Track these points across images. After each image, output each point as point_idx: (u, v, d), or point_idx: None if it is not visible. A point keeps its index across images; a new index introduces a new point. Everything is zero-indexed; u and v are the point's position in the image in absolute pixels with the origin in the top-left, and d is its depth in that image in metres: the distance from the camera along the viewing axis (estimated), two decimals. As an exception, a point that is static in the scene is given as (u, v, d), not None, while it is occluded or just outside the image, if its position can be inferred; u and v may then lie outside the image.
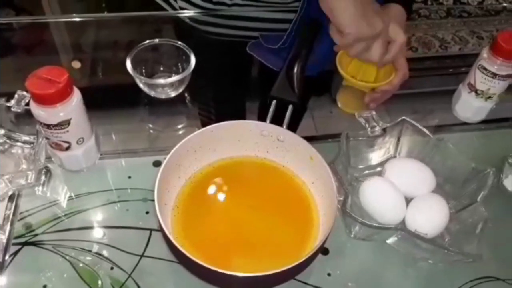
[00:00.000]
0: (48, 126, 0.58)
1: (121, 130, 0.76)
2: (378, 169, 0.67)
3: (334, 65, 0.70)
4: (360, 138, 0.65)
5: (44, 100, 0.55)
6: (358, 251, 0.62)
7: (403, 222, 0.60)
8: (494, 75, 0.69)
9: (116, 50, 0.98)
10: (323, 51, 0.73)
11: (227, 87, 0.96)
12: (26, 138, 0.67)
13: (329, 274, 0.59)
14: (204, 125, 0.61)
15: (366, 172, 0.67)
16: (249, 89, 1.01)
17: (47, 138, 0.61)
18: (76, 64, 0.89)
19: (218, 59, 0.87)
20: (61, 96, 0.56)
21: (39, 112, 0.56)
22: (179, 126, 0.77)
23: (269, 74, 0.72)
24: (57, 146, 0.61)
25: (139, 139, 0.75)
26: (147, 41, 0.75)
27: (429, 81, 0.94)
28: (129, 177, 0.67)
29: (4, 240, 0.59)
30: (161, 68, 0.78)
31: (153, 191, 0.64)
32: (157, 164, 0.68)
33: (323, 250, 0.60)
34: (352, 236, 0.61)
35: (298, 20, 0.71)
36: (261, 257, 0.58)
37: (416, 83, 0.83)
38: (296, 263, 0.49)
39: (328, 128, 0.78)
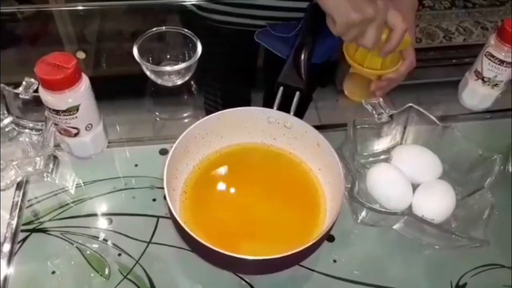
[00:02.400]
0: (57, 112, 0.58)
1: (127, 119, 0.76)
2: (385, 156, 0.67)
3: (340, 52, 0.69)
4: (367, 125, 0.65)
5: (52, 86, 0.56)
6: (364, 238, 0.62)
7: (409, 208, 0.60)
8: (501, 62, 0.69)
9: (120, 40, 0.97)
10: (331, 41, 0.72)
11: (233, 76, 0.95)
12: (34, 125, 0.68)
13: (334, 261, 0.59)
14: (208, 114, 0.61)
15: (373, 159, 0.67)
16: (254, 78, 1.01)
17: (55, 124, 0.61)
18: (81, 55, 0.89)
19: (224, 48, 0.87)
20: (70, 81, 0.56)
21: (48, 97, 0.57)
22: (185, 115, 0.77)
23: (274, 63, 0.72)
24: (66, 132, 0.61)
25: (145, 128, 0.75)
26: (154, 29, 0.75)
27: (433, 72, 0.94)
28: (136, 165, 0.67)
29: (13, 227, 0.59)
30: (168, 56, 0.78)
31: (159, 179, 0.65)
32: (163, 152, 0.68)
33: (329, 237, 0.60)
34: (359, 222, 0.61)
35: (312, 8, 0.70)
36: (268, 243, 0.58)
37: (420, 74, 0.83)
38: (303, 247, 0.50)
39: (332, 119, 0.78)
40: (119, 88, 0.81)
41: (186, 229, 0.50)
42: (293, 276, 0.58)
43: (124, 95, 0.79)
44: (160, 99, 0.79)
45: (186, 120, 0.76)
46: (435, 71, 0.95)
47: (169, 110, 0.78)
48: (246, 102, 0.78)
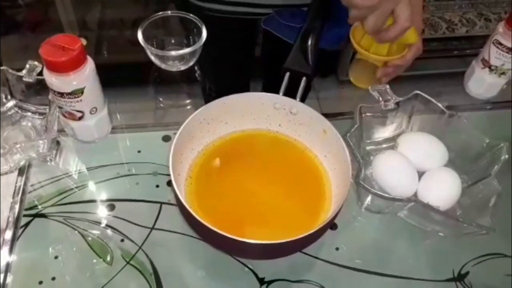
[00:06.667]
0: (61, 94, 0.57)
1: (130, 106, 0.75)
2: (390, 143, 0.66)
3: (347, 38, 0.69)
4: (373, 113, 0.65)
5: (57, 68, 0.55)
6: (367, 226, 0.62)
7: (415, 195, 0.60)
8: (509, 50, 0.69)
9: (122, 27, 0.97)
10: (338, 28, 0.72)
11: (232, 65, 0.95)
12: (36, 108, 0.67)
13: (337, 248, 0.59)
14: (206, 101, 0.60)
15: (378, 146, 0.67)
16: (253, 68, 1.00)
17: (60, 108, 0.60)
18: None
19: (223, 38, 0.85)
20: (75, 64, 0.55)
21: (53, 80, 0.56)
22: (188, 101, 0.76)
23: (276, 51, 0.71)
24: (70, 116, 0.61)
25: (148, 114, 0.74)
26: (160, 13, 0.74)
27: (435, 63, 0.93)
28: (139, 151, 0.67)
29: (16, 212, 0.59)
30: (172, 41, 0.78)
31: (162, 165, 0.64)
32: (166, 139, 0.68)
33: (331, 225, 0.60)
34: (363, 208, 0.61)
35: None
36: (272, 228, 0.58)
37: (423, 65, 0.83)
38: (307, 233, 0.49)
39: (333, 108, 0.78)
40: (121, 75, 0.81)
41: (192, 212, 0.50)
42: (295, 263, 0.58)
43: (126, 81, 0.78)
44: (163, 85, 0.78)
45: (189, 107, 0.76)
46: (438, 62, 0.95)
47: (172, 97, 0.77)
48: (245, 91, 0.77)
